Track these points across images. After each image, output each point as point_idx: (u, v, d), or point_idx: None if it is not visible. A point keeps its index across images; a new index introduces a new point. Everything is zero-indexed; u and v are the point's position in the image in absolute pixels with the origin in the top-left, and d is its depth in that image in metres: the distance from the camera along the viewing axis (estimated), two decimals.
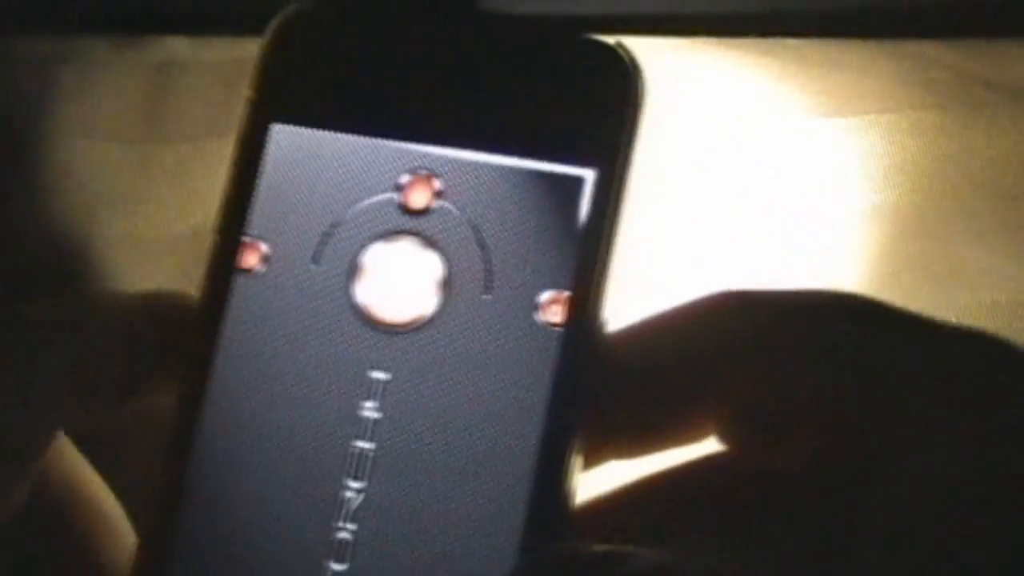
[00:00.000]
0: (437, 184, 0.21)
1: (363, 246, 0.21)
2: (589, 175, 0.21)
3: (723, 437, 0.23)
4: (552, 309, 0.21)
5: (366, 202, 0.22)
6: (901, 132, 0.50)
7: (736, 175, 0.48)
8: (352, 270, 0.21)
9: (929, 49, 0.53)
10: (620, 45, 0.22)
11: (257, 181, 0.22)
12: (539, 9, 0.53)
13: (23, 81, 0.49)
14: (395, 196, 0.21)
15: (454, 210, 0.21)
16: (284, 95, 0.23)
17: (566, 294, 0.21)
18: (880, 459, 0.20)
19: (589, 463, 0.23)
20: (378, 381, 0.21)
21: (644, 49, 0.55)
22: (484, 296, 0.21)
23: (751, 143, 0.49)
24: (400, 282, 0.21)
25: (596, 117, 0.22)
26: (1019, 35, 0.53)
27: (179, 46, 0.50)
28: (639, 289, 0.46)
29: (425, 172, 0.21)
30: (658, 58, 0.54)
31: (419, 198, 0.21)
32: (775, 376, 0.22)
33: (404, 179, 0.21)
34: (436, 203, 0.21)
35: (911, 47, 0.54)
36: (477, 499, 0.20)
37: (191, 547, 0.21)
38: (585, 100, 0.22)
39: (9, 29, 0.49)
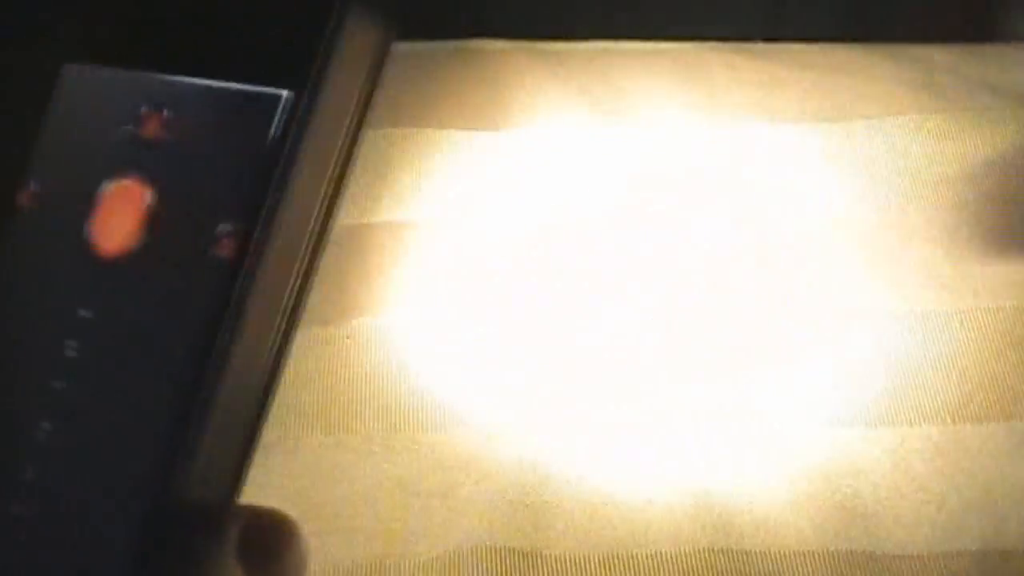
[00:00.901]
0: (166, 114, 0.22)
1: (100, 182, 0.22)
2: (284, 96, 0.21)
3: None
4: (224, 243, 0.21)
5: (109, 137, 0.22)
6: (905, 136, 0.50)
7: (736, 180, 0.48)
8: (89, 206, 0.22)
9: (932, 53, 0.53)
10: None
11: (41, 120, 0.23)
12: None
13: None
14: (133, 129, 0.22)
15: (174, 141, 0.22)
16: (72, 35, 0.24)
17: (237, 228, 0.21)
18: None
19: None
20: (83, 319, 0.22)
21: (647, 54, 0.54)
22: (177, 230, 0.21)
23: (746, 144, 0.50)
24: (118, 218, 0.22)
25: (298, 40, 0.22)
26: (1022, 40, 0.53)
27: None
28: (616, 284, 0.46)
29: (158, 103, 0.22)
30: (659, 63, 0.54)
31: (150, 130, 0.22)
32: None
33: (142, 111, 0.22)
34: (164, 135, 0.22)
35: (914, 51, 0.54)
36: (135, 437, 0.21)
37: None
38: (293, 25, 0.22)
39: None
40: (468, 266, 0.46)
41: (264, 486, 0.40)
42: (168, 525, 0.20)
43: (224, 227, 0.21)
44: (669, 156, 0.49)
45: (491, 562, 0.38)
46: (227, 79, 0.22)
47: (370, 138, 0.50)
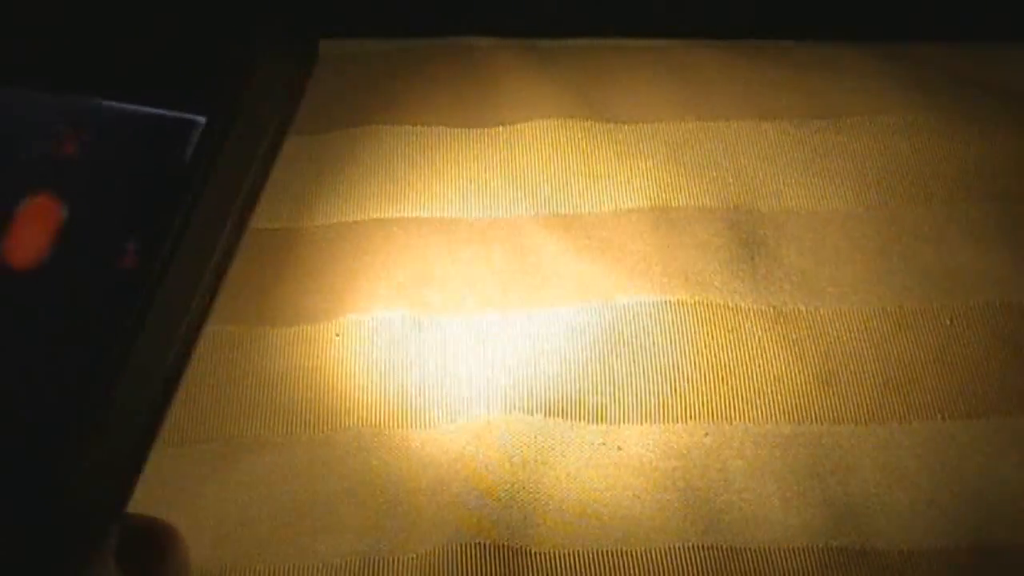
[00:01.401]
0: (83, 135, 0.22)
1: (16, 199, 0.22)
2: (198, 121, 0.22)
3: None
4: (129, 257, 0.22)
5: (26, 156, 0.23)
6: (895, 133, 0.50)
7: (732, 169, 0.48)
8: (4, 223, 0.22)
9: (923, 51, 0.53)
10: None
11: None
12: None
13: None
14: (49, 148, 0.23)
15: (89, 161, 0.22)
16: None
17: (143, 244, 0.22)
18: None
19: None
20: None
21: (637, 51, 0.55)
22: (86, 245, 0.22)
23: (736, 140, 0.50)
24: (31, 233, 0.22)
25: (215, 67, 0.22)
26: (1011, 38, 0.53)
27: None
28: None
29: (75, 124, 0.23)
30: (650, 60, 0.54)
31: (66, 149, 0.23)
32: None
33: (59, 130, 0.23)
34: (79, 154, 0.22)
35: (905, 49, 0.54)
36: (30, 442, 0.21)
37: None
38: (210, 52, 0.23)
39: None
40: (458, 263, 0.46)
41: (253, 484, 0.40)
42: (53, 530, 0.21)
43: (131, 243, 0.22)
44: (658, 151, 0.49)
45: (480, 559, 0.38)
46: (144, 103, 0.22)
47: (358, 135, 0.50)
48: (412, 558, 0.38)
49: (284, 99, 0.23)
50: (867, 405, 0.42)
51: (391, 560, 0.38)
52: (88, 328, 0.21)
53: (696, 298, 0.44)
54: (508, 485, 0.40)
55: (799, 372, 0.43)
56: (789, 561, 0.38)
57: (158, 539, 0.23)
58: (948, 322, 0.44)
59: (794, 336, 0.44)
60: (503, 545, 0.38)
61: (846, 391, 0.42)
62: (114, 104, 0.23)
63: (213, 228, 0.23)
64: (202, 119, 0.22)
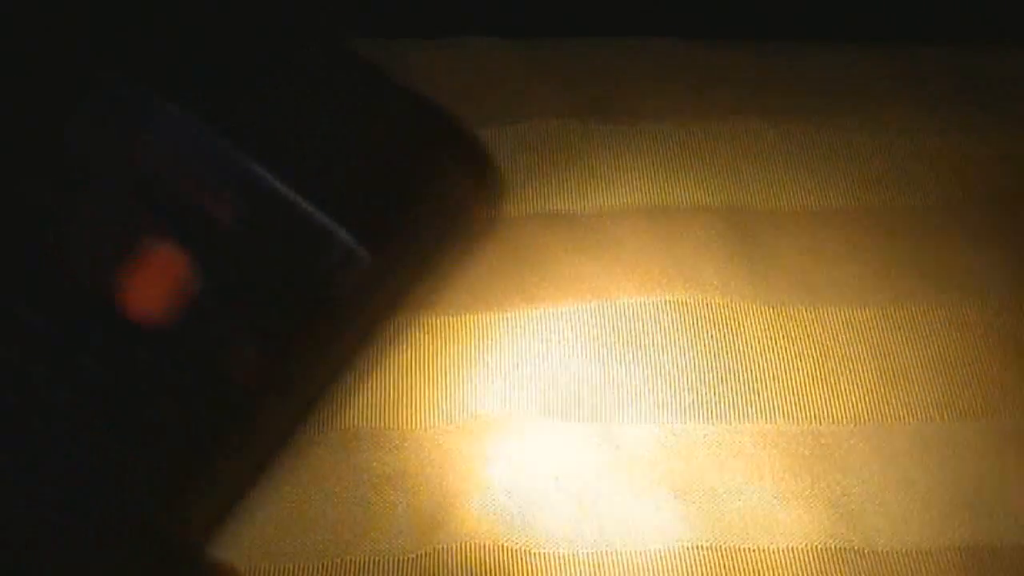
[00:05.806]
0: (240, 206, 0.20)
1: (150, 231, 0.21)
2: (352, 248, 0.20)
3: None
4: (240, 367, 0.20)
5: (168, 191, 0.21)
6: (895, 133, 0.50)
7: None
8: (123, 252, 0.21)
9: (922, 50, 0.53)
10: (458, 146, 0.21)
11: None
12: None
13: None
14: (204, 198, 0.21)
15: (237, 235, 0.20)
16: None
17: (260, 358, 0.20)
18: None
19: None
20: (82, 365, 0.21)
21: (634, 50, 0.54)
22: (199, 329, 0.20)
23: (737, 138, 0.50)
24: (157, 285, 0.21)
25: (384, 197, 0.21)
26: (1011, 38, 0.53)
27: None
28: None
29: (238, 187, 0.21)
30: (646, 59, 0.54)
31: (221, 212, 0.21)
32: None
33: (221, 186, 0.21)
34: (231, 224, 0.20)
35: (904, 48, 0.54)
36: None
37: None
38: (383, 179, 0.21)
39: None
40: (457, 262, 0.46)
41: (254, 485, 0.40)
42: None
43: (248, 350, 0.20)
44: (658, 150, 0.49)
45: (479, 559, 0.38)
46: (309, 198, 0.20)
47: None
48: (412, 558, 0.38)
49: (450, 227, 0.22)
50: (866, 405, 0.42)
51: (391, 560, 0.38)
52: (176, 421, 0.20)
53: (695, 297, 0.44)
54: (508, 485, 0.40)
55: (798, 372, 0.43)
56: (788, 561, 0.38)
57: None
58: (947, 322, 0.44)
59: (793, 336, 0.44)
60: (503, 545, 0.38)
61: (845, 391, 0.42)
62: (279, 184, 0.20)
63: (334, 366, 0.21)
64: (352, 241, 0.20)
